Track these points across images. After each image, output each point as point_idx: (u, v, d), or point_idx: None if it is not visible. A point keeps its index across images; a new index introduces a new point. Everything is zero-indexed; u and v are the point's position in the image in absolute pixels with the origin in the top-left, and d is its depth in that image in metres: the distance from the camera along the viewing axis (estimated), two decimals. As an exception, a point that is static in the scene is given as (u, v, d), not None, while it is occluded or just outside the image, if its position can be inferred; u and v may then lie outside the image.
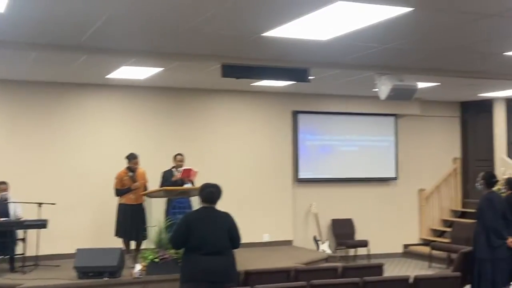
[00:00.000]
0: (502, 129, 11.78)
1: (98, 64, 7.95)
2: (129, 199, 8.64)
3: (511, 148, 11.83)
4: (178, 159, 8.98)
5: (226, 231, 5.20)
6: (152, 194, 8.47)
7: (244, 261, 6.88)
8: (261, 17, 5.23)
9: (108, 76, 8.77)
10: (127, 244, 8.75)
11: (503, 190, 7.79)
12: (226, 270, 5.18)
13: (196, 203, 8.11)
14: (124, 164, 8.70)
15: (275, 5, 4.84)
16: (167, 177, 8.85)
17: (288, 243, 10.88)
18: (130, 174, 8.65)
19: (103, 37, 6.04)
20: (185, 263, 5.25)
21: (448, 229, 11.69)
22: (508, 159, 11.53)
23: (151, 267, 7.49)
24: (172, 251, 7.34)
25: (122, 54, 7.02)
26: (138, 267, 7.54)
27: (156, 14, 5.18)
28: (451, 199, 12.51)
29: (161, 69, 8.19)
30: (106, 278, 7.34)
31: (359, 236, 11.34)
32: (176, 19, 5.34)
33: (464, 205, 12.41)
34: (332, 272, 6.41)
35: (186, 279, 5.19)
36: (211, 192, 5.24)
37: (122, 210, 8.66)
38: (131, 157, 8.70)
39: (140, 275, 7.46)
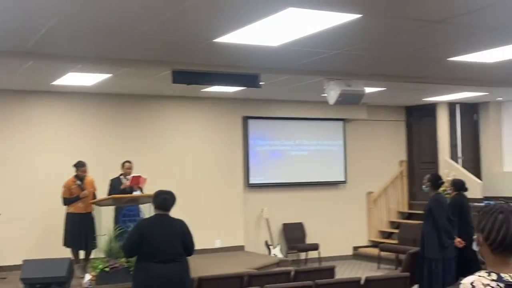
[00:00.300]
0: (445, 132, 12.16)
1: (44, 71, 7.77)
2: (78, 207, 8.47)
3: (454, 151, 12.23)
4: (127, 166, 8.84)
5: (180, 238, 5.16)
6: (101, 203, 8.33)
7: (197, 267, 6.84)
8: (212, 23, 5.23)
9: (54, 83, 8.57)
10: (76, 254, 8.56)
11: (448, 191, 8.03)
12: (181, 277, 5.13)
13: (146, 210, 8.05)
14: (72, 172, 8.52)
15: (227, 12, 4.85)
16: (115, 185, 8.71)
17: (239, 248, 10.89)
18: (78, 182, 8.48)
19: (50, 42, 5.89)
20: (137, 271, 5.18)
21: (396, 231, 11.95)
22: (451, 161, 11.90)
23: (101, 277, 7.36)
24: (123, 259, 7.24)
25: (69, 60, 6.87)
26: (87, 277, 7.40)
27: (104, 20, 5.10)
28: (398, 201, 12.80)
29: (109, 75, 8.07)
30: (55, 290, 7.16)
31: (310, 239, 11.45)
32: (125, 25, 5.27)
33: (410, 206, 12.73)
34: (285, 276, 6.46)
35: (139, 288, 5.13)
36: (165, 199, 5.19)
37: (70, 219, 8.47)
38: (79, 165, 8.53)
39: (89, 285, 7.31)
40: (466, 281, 2.13)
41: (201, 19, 5.11)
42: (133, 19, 5.08)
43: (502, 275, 2.10)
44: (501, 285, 2.08)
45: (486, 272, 2.13)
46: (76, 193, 8.44)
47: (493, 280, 2.09)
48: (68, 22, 5.14)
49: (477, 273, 2.15)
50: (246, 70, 7.27)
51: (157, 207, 5.21)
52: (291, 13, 4.81)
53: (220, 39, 5.75)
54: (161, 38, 5.75)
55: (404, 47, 6.39)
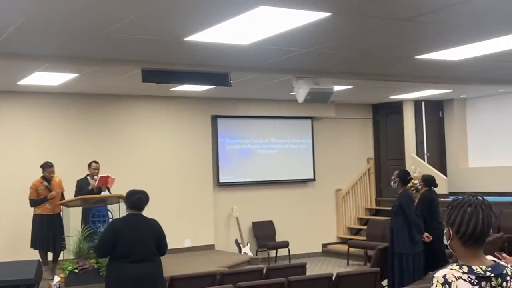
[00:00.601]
0: (411, 129, 12.37)
1: (9, 70, 7.63)
2: (45, 209, 8.34)
3: (420, 147, 12.44)
4: (93, 166, 8.70)
5: (154, 238, 5.14)
6: (69, 204, 8.23)
7: (168, 267, 6.79)
8: (183, 22, 5.20)
9: (20, 83, 8.42)
10: (44, 255, 8.42)
11: (419, 187, 8.17)
12: (154, 277, 5.12)
13: (115, 210, 7.99)
14: (39, 173, 8.39)
15: (198, 10, 4.84)
16: (82, 186, 8.57)
17: (210, 247, 10.88)
18: (45, 183, 8.35)
19: (16, 42, 5.78)
20: (111, 272, 5.13)
21: (364, 227, 12.10)
22: (417, 158, 12.11)
23: (70, 278, 7.29)
24: (93, 260, 7.16)
25: (36, 60, 6.76)
26: (56, 279, 7.28)
27: (72, 19, 5.02)
28: (366, 198, 12.96)
29: (76, 74, 7.96)
30: (23, 292, 7.04)
31: (279, 237, 11.51)
32: (94, 23, 5.20)
33: (377, 203, 12.90)
34: (257, 274, 6.48)
35: (112, 288, 5.09)
36: (139, 198, 5.15)
37: (38, 220, 8.34)
38: (46, 166, 8.39)
39: (59, 287, 7.21)
40: (438, 274, 2.18)
41: (171, 18, 5.08)
42: (102, 18, 5.03)
43: (473, 267, 2.16)
44: (472, 277, 2.15)
45: (458, 265, 2.18)
46: (44, 194, 8.31)
47: (464, 272, 2.15)
48: (35, 21, 5.06)
49: (449, 266, 2.20)
50: (216, 69, 7.26)
51: (130, 206, 5.17)
52: (262, 11, 4.83)
53: (191, 38, 5.73)
54: (130, 37, 5.69)
55: (372, 45, 6.47)
